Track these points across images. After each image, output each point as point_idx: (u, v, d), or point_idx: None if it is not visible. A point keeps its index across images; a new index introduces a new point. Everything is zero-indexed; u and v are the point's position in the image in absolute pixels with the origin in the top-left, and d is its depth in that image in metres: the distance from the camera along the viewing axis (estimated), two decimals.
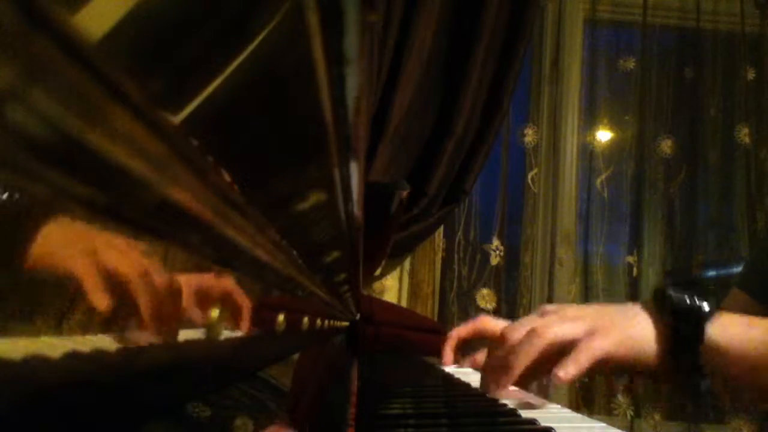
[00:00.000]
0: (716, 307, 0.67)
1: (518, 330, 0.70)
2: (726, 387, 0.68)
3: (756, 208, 1.98)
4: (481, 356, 1.02)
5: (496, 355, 0.71)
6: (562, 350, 0.67)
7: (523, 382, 0.70)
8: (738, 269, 2.01)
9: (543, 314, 0.72)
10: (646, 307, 0.70)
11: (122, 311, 0.16)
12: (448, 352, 1.09)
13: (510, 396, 0.69)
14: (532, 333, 0.68)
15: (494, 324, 0.95)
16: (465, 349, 1.11)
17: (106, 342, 0.15)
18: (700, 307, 0.67)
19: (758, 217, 1.97)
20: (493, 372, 0.71)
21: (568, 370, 0.65)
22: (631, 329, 0.68)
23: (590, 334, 0.67)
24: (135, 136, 0.12)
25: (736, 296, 1.07)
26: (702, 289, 1.95)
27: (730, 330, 0.66)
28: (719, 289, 1.97)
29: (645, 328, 0.68)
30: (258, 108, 0.17)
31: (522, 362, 0.67)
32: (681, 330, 0.66)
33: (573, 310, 0.72)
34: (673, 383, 0.69)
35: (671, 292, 0.68)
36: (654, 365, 0.68)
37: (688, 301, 0.67)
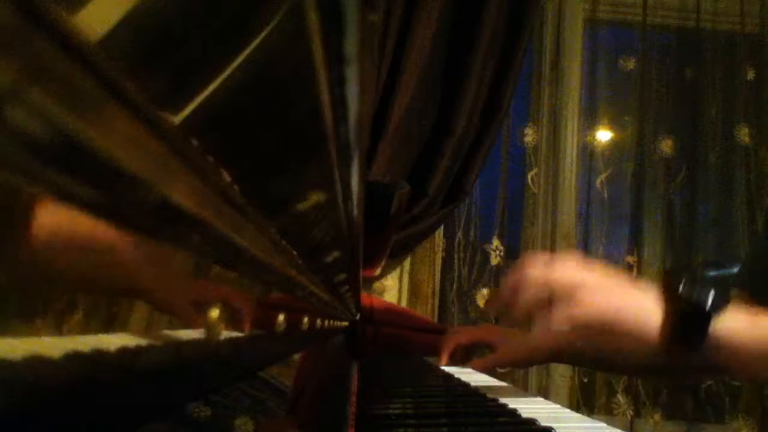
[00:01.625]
0: (724, 302, 0.67)
1: (532, 265, 0.69)
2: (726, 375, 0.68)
3: (756, 208, 1.98)
4: (482, 360, 1.02)
5: (512, 276, 0.70)
6: (570, 292, 0.66)
7: (526, 317, 0.69)
8: (738, 269, 2.01)
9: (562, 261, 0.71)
10: (658, 290, 0.69)
11: (122, 311, 0.16)
12: (446, 356, 1.09)
13: (510, 395, 0.69)
14: (547, 267, 0.68)
15: (500, 334, 0.95)
16: (465, 353, 1.11)
17: (106, 342, 0.15)
18: (707, 303, 0.66)
19: (758, 217, 1.97)
20: (504, 295, 0.70)
21: (557, 320, 0.65)
22: (638, 301, 0.68)
23: (598, 288, 0.66)
24: (135, 136, 0.12)
25: (735, 296, 1.07)
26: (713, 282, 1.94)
27: (734, 325, 0.66)
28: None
29: (652, 306, 0.67)
30: (258, 108, 0.17)
31: (530, 289, 0.67)
32: (687, 321, 0.66)
33: (594, 264, 0.71)
34: (669, 368, 0.69)
35: (681, 281, 0.68)
36: (651, 342, 0.67)
37: (696, 295, 0.67)
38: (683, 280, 0.68)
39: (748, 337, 0.66)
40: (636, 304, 0.68)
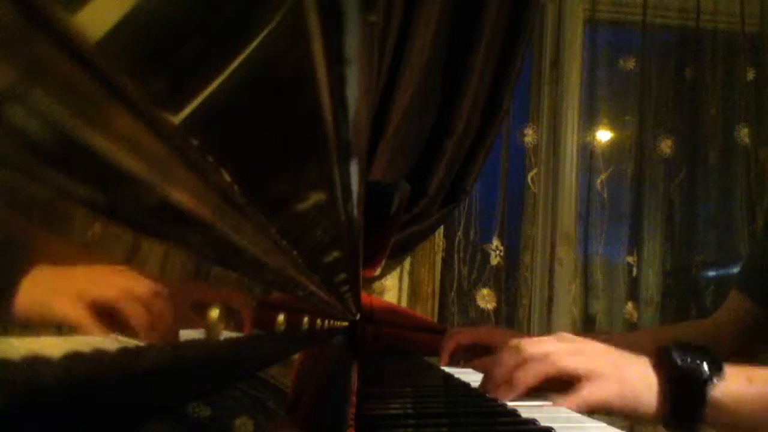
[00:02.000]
0: (718, 369, 0.69)
1: (536, 347, 0.71)
2: None
3: (756, 208, 1.98)
4: (482, 361, 1.02)
5: (506, 364, 0.72)
6: (566, 380, 0.69)
7: (520, 397, 0.72)
8: (738, 269, 2.01)
9: (560, 340, 0.73)
10: (653, 365, 0.72)
11: (122, 311, 0.16)
12: (446, 356, 1.09)
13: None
14: (546, 356, 0.69)
15: (501, 335, 0.95)
16: (465, 353, 1.11)
17: (106, 342, 0.15)
18: (701, 373, 0.68)
19: (758, 217, 1.97)
20: (497, 380, 0.72)
21: (567, 405, 0.67)
22: (634, 383, 0.70)
23: (597, 377, 0.68)
24: (135, 136, 0.12)
25: (735, 297, 1.07)
26: (698, 307, 1.95)
27: (730, 387, 0.68)
28: (719, 290, 1.97)
29: (650, 385, 0.70)
30: (258, 108, 0.17)
31: (529, 381, 0.70)
32: (682, 394, 0.69)
33: (588, 346, 0.73)
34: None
35: (675, 355, 0.69)
36: (652, 419, 0.70)
37: (690, 365, 0.69)
38: (675, 354, 0.70)
39: (746, 396, 0.67)
40: (633, 383, 0.70)
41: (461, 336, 1.11)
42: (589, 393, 0.68)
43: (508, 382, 0.70)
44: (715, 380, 0.68)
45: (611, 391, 0.69)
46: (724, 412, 0.67)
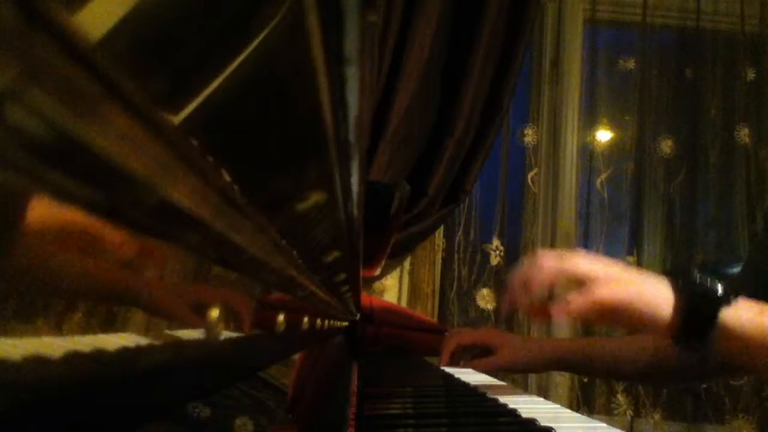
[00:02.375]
0: (733, 294, 0.69)
1: (553, 253, 0.71)
2: (732, 365, 0.71)
3: (756, 208, 1.98)
4: (482, 362, 1.02)
5: (523, 269, 0.71)
6: (584, 281, 0.68)
7: (537, 312, 0.71)
8: (738, 269, 2.02)
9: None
10: (670, 282, 0.71)
11: (122, 311, 0.16)
12: (446, 356, 1.09)
13: (510, 395, 0.69)
14: (558, 258, 0.69)
15: (500, 336, 0.95)
16: (465, 354, 1.11)
17: (106, 342, 0.15)
18: (716, 293, 0.69)
19: (758, 217, 1.97)
20: (515, 284, 0.71)
21: (563, 309, 0.66)
22: (651, 292, 0.70)
23: (612, 278, 0.68)
24: (135, 136, 0.12)
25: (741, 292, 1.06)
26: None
27: (741, 313, 0.67)
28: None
29: (664, 298, 0.70)
30: (258, 108, 0.17)
31: (544, 280, 0.69)
32: (695, 309, 0.68)
33: (605, 259, 0.73)
34: (675, 358, 0.71)
35: (694, 273, 0.70)
36: (662, 331, 0.69)
37: (706, 286, 0.69)
38: (694, 272, 0.70)
39: (756, 325, 0.67)
40: (649, 291, 0.70)
41: (462, 336, 1.11)
42: (606, 291, 0.67)
43: (525, 285, 0.69)
44: (728, 302, 0.68)
45: (627, 293, 0.68)
46: (732, 336, 0.67)
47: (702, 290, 0.69)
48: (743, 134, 2.01)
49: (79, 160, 0.11)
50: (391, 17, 1.64)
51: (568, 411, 0.65)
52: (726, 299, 0.68)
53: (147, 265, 0.17)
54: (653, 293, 0.69)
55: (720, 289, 0.69)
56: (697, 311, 0.68)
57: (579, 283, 0.68)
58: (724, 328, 0.67)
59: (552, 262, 0.69)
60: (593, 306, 0.66)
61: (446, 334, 1.20)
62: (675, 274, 0.72)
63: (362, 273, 0.83)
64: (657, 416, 1.86)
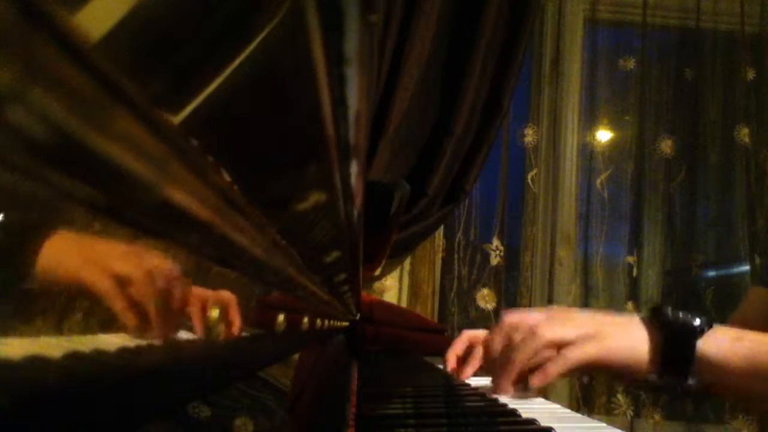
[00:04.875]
0: (708, 324, 0.69)
1: (523, 322, 0.72)
2: (717, 394, 0.71)
3: (756, 208, 1.98)
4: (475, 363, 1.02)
5: (497, 349, 0.73)
6: (559, 348, 0.70)
7: (520, 379, 0.72)
8: (738, 269, 2.02)
9: (548, 312, 0.74)
10: (644, 321, 0.72)
11: (122, 311, 0.16)
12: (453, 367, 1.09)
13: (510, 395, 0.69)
14: (530, 332, 0.70)
15: (480, 333, 0.95)
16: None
17: (106, 342, 0.15)
18: (692, 324, 0.69)
19: (758, 217, 1.97)
20: (494, 369, 0.73)
21: (541, 377, 0.68)
22: (625, 339, 0.71)
23: (584, 339, 0.69)
24: (135, 136, 0.12)
25: (755, 293, 1.06)
26: (698, 307, 1.95)
27: (719, 344, 0.68)
28: (719, 290, 1.97)
29: (639, 340, 0.71)
30: (258, 108, 0.17)
31: (521, 359, 0.70)
32: (673, 346, 0.69)
33: (575, 314, 0.74)
34: (662, 392, 0.72)
35: (666, 309, 0.71)
36: (644, 375, 0.70)
37: (681, 318, 0.70)
38: (669, 308, 0.71)
39: (734, 352, 0.67)
40: (623, 341, 0.71)
41: (456, 348, 1.11)
42: (574, 354, 0.69)
43: (503, 366, 0.71)
44: (704, 331, 0.68)
45: (601, 350, 0.70)
46: (713, 366, 0.68)
47: (677, 326, 0.69)
48: (743, 134, 2.01)
49: (78, 160, 0.11)
50: (391, 17, 1.64)
51: (568, 411, 0.65)
52: (702, 327, 0.69)
53: (146, 265, 0.17)
54: (628, 341, 0.71)
55: (695, 320, 0.69)
56: (674, 347, 0.69)
57: (555, 348, 0.70)
58: (704, 358, 0.68)
59: (525, 342, 0.70)
60: (570, 370, 0.68)
61: (446, 334, 1.20)
62: (650, 311, 0.72)
63: (362, 273, 0.83)
64: (657, 416, 1.86)
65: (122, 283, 0.16)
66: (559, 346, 0.70)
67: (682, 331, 0.69)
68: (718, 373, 0.68)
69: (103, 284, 0.15)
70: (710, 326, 0.69)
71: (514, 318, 0.75)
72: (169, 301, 0.19)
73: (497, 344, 0.74)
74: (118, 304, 0.16)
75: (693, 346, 0.68)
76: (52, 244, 0.12)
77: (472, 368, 0.92)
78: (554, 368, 0.68)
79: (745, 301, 1.07)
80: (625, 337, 0.71)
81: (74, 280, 0.14)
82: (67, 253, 0.13)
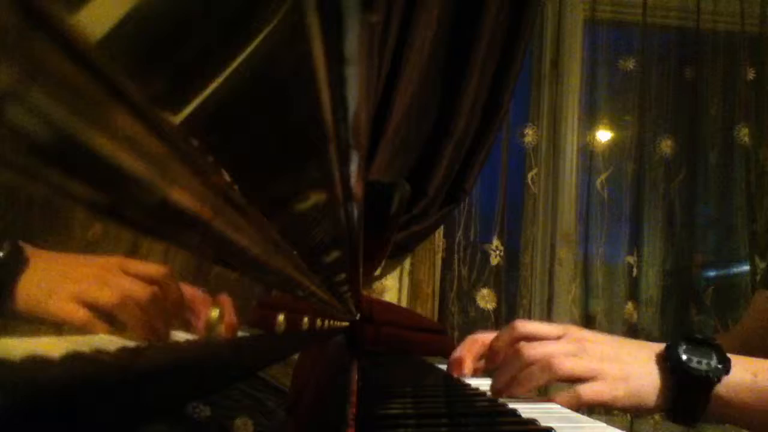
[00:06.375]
0: (724, 365, 0.68)
1: (538, 350, 0.71)
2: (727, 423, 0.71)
3: (756, 208, 1.98)
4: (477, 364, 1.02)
5: (508, 369, 0.72)
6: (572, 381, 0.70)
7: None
8: (738, 269, 2.02)
9: (565, 337, 0.73)
10: (659, 360, 0.71)
11: (122, 311, 0.16)
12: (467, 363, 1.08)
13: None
14: (548, 361, 0.69)
15: (486, 337, 0.95)
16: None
17: (106, 342, 0.15)
18: (707, 372, 0.68)
19: (758, 217, 1.97)
20: (500, 384, 0.72)
21: (566, 403, 0.68)
22: (637, 380, 0.70)
23: (599, 376, 0.69)
24: (135, 136, 0.12)
25: (763, 297, 1.05)
26: (698, 307, 1.95)
27: (736, 382, 0.68)
28: (719, 290, 1.97)
29: (654, 383, 0.70)
30: (258, 108, 0.17)
31: (532, 385, 0.71)
32: (686, 392, 0.69)
33: (592, 342, 0.73)
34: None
35: (680, 350, 0.69)
36: (655, 412, 0.70)
37: (695, 366, 0.68)
38: (682, 349, 0.69)
39: (751, 390, 0.67)
40: (637, 383, 0.70)
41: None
42: (585, 393, 0.69)
43: (510, 385, 0.71)
44: (720, 378, 0.67)
45: (612, 391, 0.69)
46: (729, 407, 0.67)
47: (693, 368, 0.68)
48: (743, 134, 2.01)
49: (78, 160, 0.11)
50: (391, 17, 1.64)
51: (568, 411, 0.65)
52: (718, 373, 0.67)
53: (146, 265, 0.17)
54: (640, 380, 0.70)
55: (712, 362, 0.68)
56: (689, 397, 0.68)
57: (568, 381, 0.70)
58: (719, 399, 0.67)
59: (536, 369, 0.70)
60: (580, 405, 0.68)
61: (446, 334, 1.20)
62: (666, 351, 0.71)
63: (362, 273, 0.83)
64: (657, 416, 1.86)
65: (122, 283, 0.16)
66: (571, 381, 0.70)
67: (698, 380, 0.68)
68: (733, 414, 0.68)
69: (103, 284, 0.15)
70: (727, 370, 0.68)
71: (527, 329, 0.74)
72: (169, 301, 0.19)
73: (509, 364, 0.73)
74: (118, 304, 0.16)
75: (708, 394, 0.68)
76: (52, 244, 0.12)
77: (472, 365, 0.92)
78: (564, 402, 0.68)
79: (752, 306, 1.07)
80: (639, 377, 0.70)
81: (74, 279, 0.14)
82: (67, 253, 0.13)
